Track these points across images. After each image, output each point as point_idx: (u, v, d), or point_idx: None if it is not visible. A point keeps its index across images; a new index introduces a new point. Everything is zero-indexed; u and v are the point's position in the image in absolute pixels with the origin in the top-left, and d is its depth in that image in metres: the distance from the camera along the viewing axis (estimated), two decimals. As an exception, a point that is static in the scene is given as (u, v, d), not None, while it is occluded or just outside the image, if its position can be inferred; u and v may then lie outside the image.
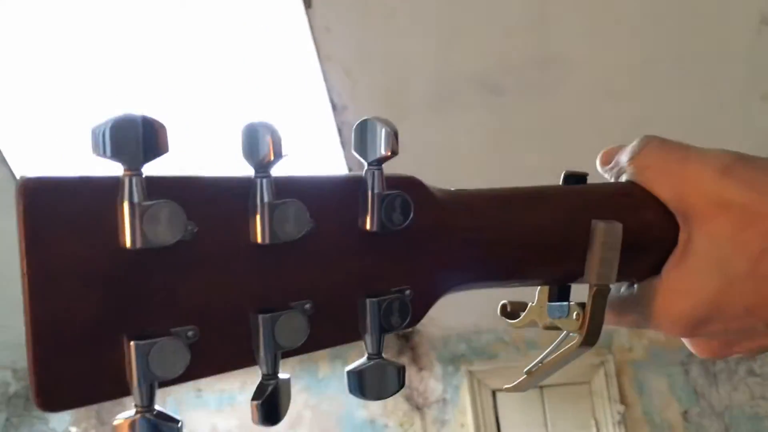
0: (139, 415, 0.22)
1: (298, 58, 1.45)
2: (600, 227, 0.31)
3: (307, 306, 0.26)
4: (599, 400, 1.94)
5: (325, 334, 0.26)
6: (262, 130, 0.23)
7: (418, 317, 0.28)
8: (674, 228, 0.32)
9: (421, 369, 2.00)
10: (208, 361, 0.24)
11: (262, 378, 0.25)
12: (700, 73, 1.45)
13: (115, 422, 0.22)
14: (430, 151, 1.48)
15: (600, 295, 0.31)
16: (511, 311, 0.37)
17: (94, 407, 1.90)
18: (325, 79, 1.44)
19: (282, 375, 0.25)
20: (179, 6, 1.43)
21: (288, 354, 0.25)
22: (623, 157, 0.34)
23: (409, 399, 1.98)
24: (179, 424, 0.22)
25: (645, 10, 1.37)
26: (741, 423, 1.90)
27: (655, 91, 1.48)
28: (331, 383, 1.96)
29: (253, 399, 0.24)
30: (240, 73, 1.52)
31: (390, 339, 2.02)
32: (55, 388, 0.21)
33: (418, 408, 1.98)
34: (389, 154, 0.26)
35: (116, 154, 0.21)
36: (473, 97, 1.48)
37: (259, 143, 0.23)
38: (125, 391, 0.22)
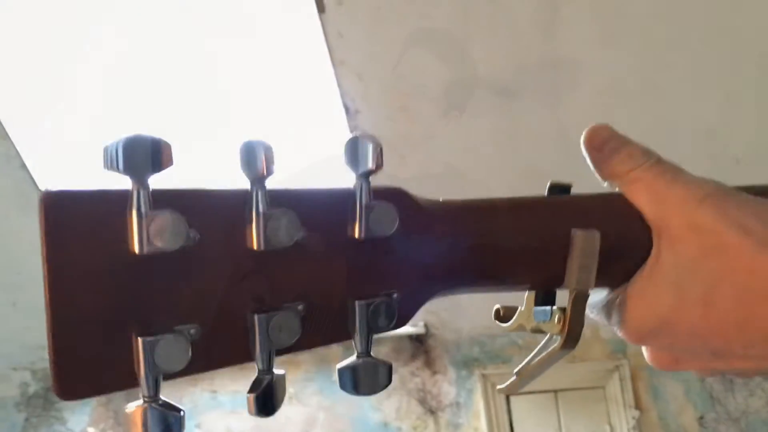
0: (146, 405, 0.24)
1: (311, 63, 1.48)
2: (579, 235, 0.33)
3: (300, 307, 0.28)
4: (614, 405, 1.93)
5: (317, 333, 0.29)
6: (258, 147, 0.26)
7: (404, 319, 0.30)
8: (650, 242, 0.34)
9: (434, 373, 2.01)
10: (209, 356, 0.26)
11: (258, 373, 0.27)
12: (715, 76, 1.45)
13: (127, 410, 0.24)
14: (442, 155, 1.50)
15: (579, 299, 0.33)
16: (504, 315, 0.39)
17: (112, 409, 1.95)
18: (339, 84, 1.46)
19: (277, 370, 0.27)
20: (192, 11, 1.46)
21: (282, 351, 0.28)
22: (621, 166, 0.35)
23: (422, 402, 1.99)
24: (181, 413, 0.25)
25: (657, 13, 1.37)
26: (757, 429, 1.88)
27: (668, 94, 1.48)
28: (345, 385, 1.97)
29: (250, 392, 0.27)
30: (254, 78, 1.55)
31: (403, 342, 2.04)
32: (72, 379, 0.24)
33: (432, 411, 1.98)
34: (375, 167, 0.28)
35: (127, 169, 0.23)
36: (485, 100, 1.49)
37: (255, 159, 0.26)
38: (134, 383, 0.25)
